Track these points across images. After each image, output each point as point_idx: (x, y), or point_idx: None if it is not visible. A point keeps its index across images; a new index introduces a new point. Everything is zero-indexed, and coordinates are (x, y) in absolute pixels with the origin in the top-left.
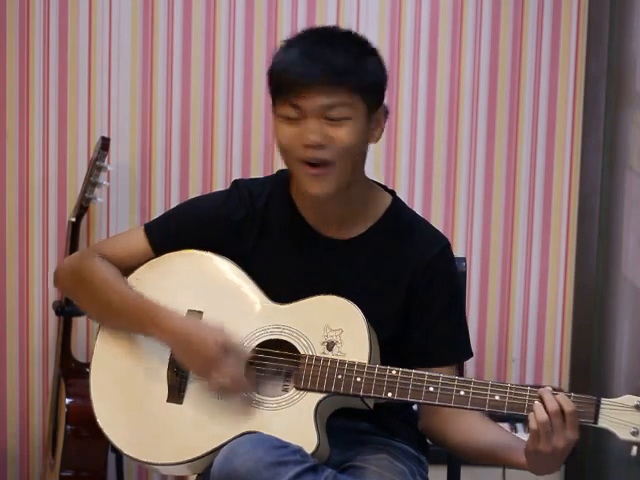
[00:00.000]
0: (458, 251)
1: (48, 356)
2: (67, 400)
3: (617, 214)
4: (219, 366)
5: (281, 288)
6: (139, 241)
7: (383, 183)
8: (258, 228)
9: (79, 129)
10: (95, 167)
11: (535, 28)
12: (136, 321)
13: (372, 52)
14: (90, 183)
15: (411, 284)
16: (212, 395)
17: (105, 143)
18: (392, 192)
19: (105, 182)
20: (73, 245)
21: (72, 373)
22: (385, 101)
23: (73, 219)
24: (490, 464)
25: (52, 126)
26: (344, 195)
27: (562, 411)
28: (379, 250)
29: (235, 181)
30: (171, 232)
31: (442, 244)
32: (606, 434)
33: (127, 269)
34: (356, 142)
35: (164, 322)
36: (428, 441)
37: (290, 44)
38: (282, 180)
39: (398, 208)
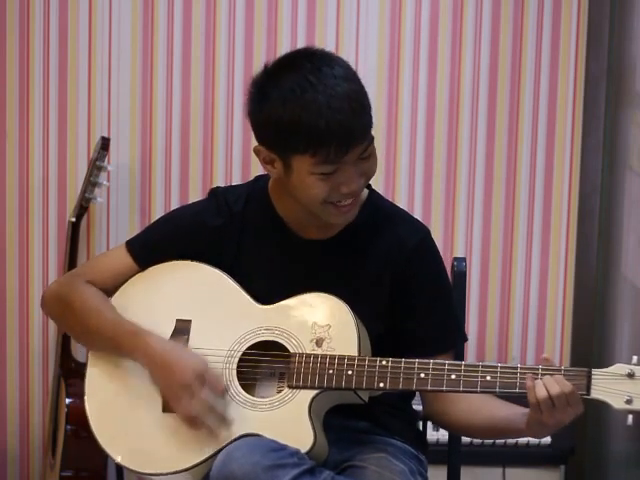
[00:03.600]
0: (458, 251)
1: (48, 356)
2: (67, 400)
3: (617, 214)
4: (192, 394)
5: (266, 291)
6: (122, 258)
7: (383, 183)
8: (238, 233)
9: (79, 129)
10: (95, 167)
11: (535, 28)
12: (118, 345)
13: (351, 71)
14: (90, 183)
15: (395, 276)
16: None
17: (105, 143)
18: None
19: (105, 182)
20: (73, 245)
21: (72, 373)
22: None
23: (73, 219)
24: (491, 463)
25: (52, 126)
26: None
27: (564, 392)
28: (360, 245)
29: (212, 189)
30: (153, 245)
31: (422, 233)
32: (605, 434)
33: (114, 288)
34: None
35: (143, 344)
36: (427, 440)
37: (296, 92)
38: (261, 185)
39: (375, 201)
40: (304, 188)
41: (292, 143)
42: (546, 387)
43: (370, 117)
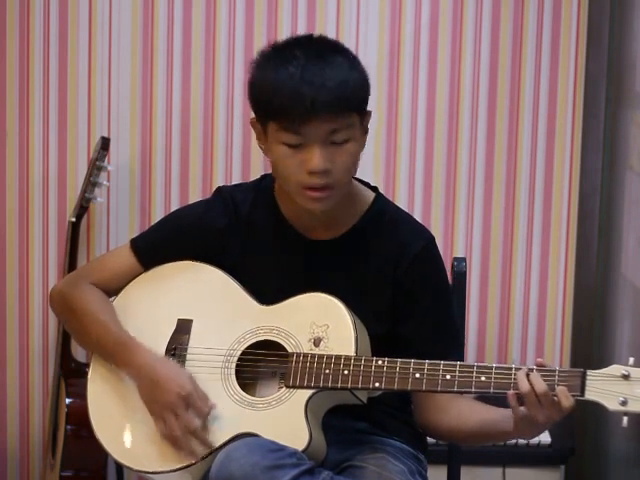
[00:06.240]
0: (458, 251)
1: (48, 356)
2: (67, 400)
3: (617, 214)
4: (175, 415)
5: (269, 291)
6: (127, 258)
7: (383, 183)
8: (243, 234)
9: (79, 129)
10: (95, 167)
11: (535, 28)
12: (110, 355)
13: (356, 62)
14: (90, 183)
15: (396, 280)
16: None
17: (105, 143)
18: (374, 189)
19: (105, 182)
20: (73, 245)
21: (72, 373)
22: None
23: (73, 219)
24: (491, 463)
25: (52, 126)
26: None
27: (551, 390)
28: (363, 248)
29: (218, 188)
30: (157, 245)
31: (426, 239)
32: (605, 434)
33: (118, 287)
34: (356, 160)
35: (134, 358)
36: (427, 439)
37: (280, 62)
38: (266, 185)
39: (381, 204)
40: (278, 160)
41: (263, 105)
42: (531, 382)
43: (347, 102)
